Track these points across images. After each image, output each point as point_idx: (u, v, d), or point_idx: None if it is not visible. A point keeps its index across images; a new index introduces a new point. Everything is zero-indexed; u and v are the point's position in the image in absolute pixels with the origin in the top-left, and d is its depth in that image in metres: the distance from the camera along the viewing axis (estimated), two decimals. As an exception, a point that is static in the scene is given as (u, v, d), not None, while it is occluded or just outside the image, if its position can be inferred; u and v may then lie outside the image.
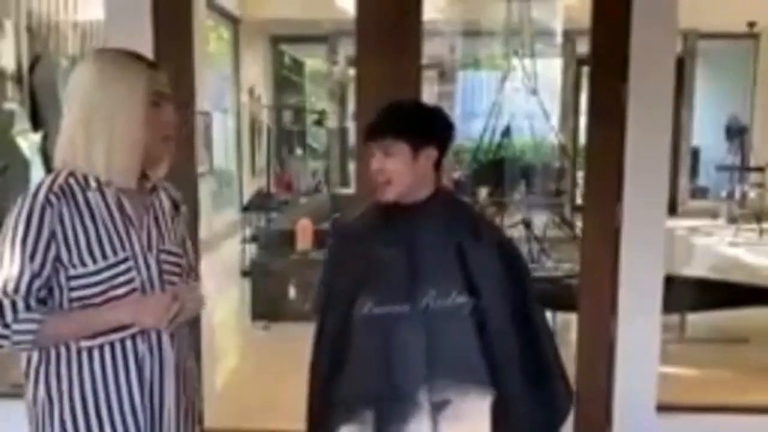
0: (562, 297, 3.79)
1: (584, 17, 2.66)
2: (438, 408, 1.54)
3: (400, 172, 1.56)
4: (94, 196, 1.39)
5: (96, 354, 1.38)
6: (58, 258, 1.35)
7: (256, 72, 8.86)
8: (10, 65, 4.11)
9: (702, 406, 2.77)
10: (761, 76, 9.02)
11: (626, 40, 2.47)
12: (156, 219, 1.48)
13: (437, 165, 1.62)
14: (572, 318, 2.82)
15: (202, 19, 6.15)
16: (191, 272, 1.57)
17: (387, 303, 1.55)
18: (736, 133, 8.75)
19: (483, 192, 6.61)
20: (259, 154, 8.63)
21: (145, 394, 1.41)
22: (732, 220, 8.04)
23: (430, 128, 1.61)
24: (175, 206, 1.55)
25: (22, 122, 4.06)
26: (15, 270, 1.33)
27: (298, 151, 10.44)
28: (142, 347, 1.41)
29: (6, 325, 1.32)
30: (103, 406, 1.39)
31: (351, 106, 8.90)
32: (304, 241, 4.84)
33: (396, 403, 1.54)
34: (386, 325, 1.54)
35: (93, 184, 1.39)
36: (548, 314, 3.93)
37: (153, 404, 1.43)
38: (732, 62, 9.39)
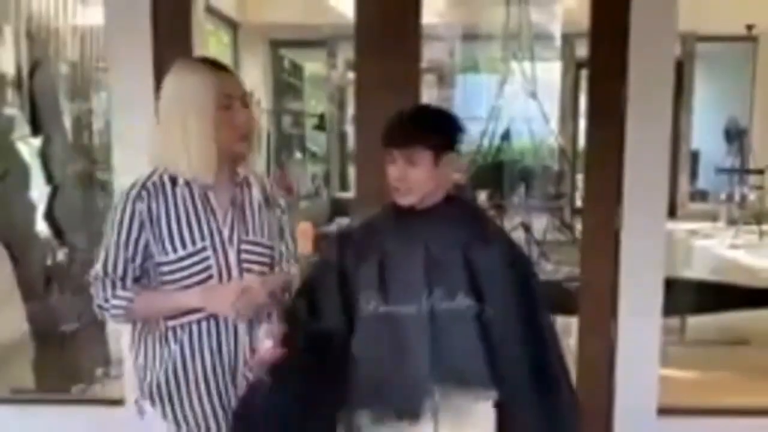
0: (562, 300, 3.79)
1: (583, 20, 2.67)
2: (440, 410, 1.54)
3: (423, 181, 1.57)
4: (181, 191, 1.58)
5: (178, 331, 1.58)
6: (147, 246, 1.55)
7: (255, 76, 8.86)
8: (9, 70, 4.11)
9: (703, 409, 2.77)
10: (760, 78, 9.02)
11: (625, 44, 2.48)
12: (243, 211, 1.62)
13: (452, 170, 1.64)
14: (572, 321, 2.81)
15: (202, 23, 6.16)
16: (282, 262, 1.69)
17: (393, 302, 1.56)
18: (736, 135, 8.75)
19: (482, 195, 6.61)
20: (259, 158, 8.63)
21: (218, 371, 1.59)
22: (732, 222, 8.04)
23: (452, 135, 1.62)
24: (267, 199, 1.67)
25: (21, 127, 4.06)
26: (112, 254, 1.56)
27: (298, 155, 10.44)
28: (218, 329, 1.58)
29: (106, 299, 1.57)
30: (182, 377, 1.58)
31: (350, 109, 8.90)
32: (304, 244, 4.84)
33: (398, 402, 1.54)
34: (391, 324, 1.55)
35: (181, 180, 1.57)
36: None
37: (226, 380, 1.60)
38: (731, 65, 9.40)
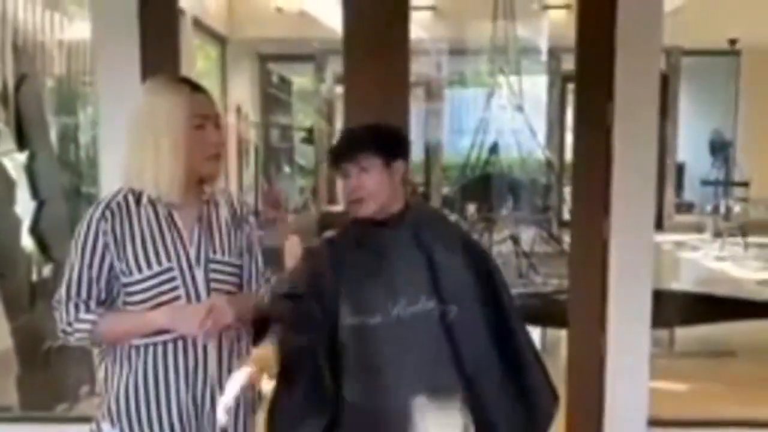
0: (551, 312, 3.79)
1: (569, 34, 2.69)
2: (410, 415, 1.55)
3: (377, 186, 1.61)
4: (145, 211, 1.55)
5: (142, 351, 1.54)
6: (111, 267, 1.53)
7: (243, 90, 8.87)
8: (-5, 85, 4.09)
9: (693, 421, 2.77)
10: (743, 91, 9.15)
11: (611, 58, 2.50)
12: (210, 230, 1.59)
13: (404, 179, 1.68)
14: (562, 334, 2.82)
15: (190, 38, 6.16)
16: (252, 281, 1.66)
17: (359, 314, 1.58)
18: (720, 148, 8.86)
19: (471, 208, 6.64)
20: (247, 172, 8.61)
21: (182, 395, 1.55)
22: (717, 234, 8.11)
23: (397, 142, 1.69)
24: (235, 217, 1.64)
25: (7, 142, 4.03)
26: (75, 277, 1.53)
27: (286, 169, 10.44)
28: (185, 351, 1.54)
29: (69, 323, 1.53)
30: (143, 397, 1.54)
31: (339, 123, 8.92)
32: (292, 259, 4.81)
33: (372, 410, 1.57)
34: (360, 335, 1.58)
35: (144, 199, 1.54)
36: (537, 330, 3.93)
37: (196, 401, 1.56)
38: (714, 78, 9.52)
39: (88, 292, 1.53)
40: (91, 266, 1.53)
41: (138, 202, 1.55)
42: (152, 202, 1.55)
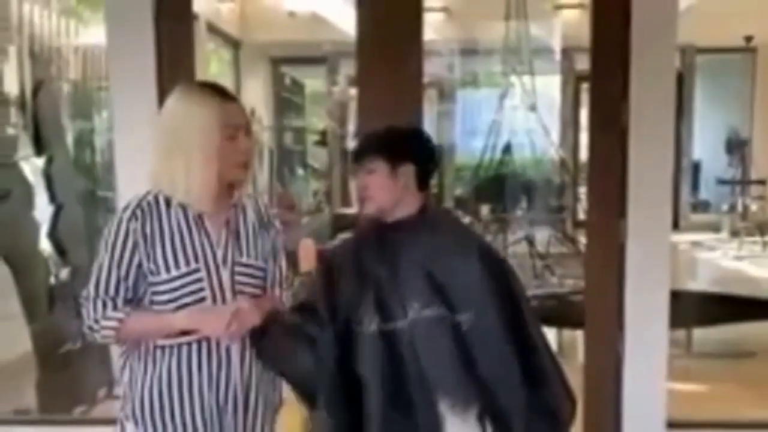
0: (567, 314, 3.77)
1: (581, 34, 2.68)
2: (435, 425, 1.55)
3: (379, 188, 1.65)
4: (175, 212, 1.57)
5: (167, 352, 1.56)
6: (139, 266, 1.54)
7: (256, 94, 8.90)
8: (13, 90, 4.14)
9: (712, 423, 2.75)
10: (759, 89, 9.05)
11: (626, 57, 2.49)
12: (237, 233, 1.62)
13: (422, 184, 1.68)
14: (577, 335, 2.80)
15: (204, 42, 6.20)
16: (275, 285, 1.69)
17: (389, 320, 1.59)
18: (736, 146, 8.76)
19: (485, 209, 6.61)
20: (261, 174, 8.65)
21: (212, 393, 1.56)
22: (734, 233, 8.02)
23: (404, 146, 1.70)
24: (261, 221, 1.67)
25: (25, 147, 4.08)
26: (104, 274, 1.55)
27: (300, 171, 10.46)
28: (209, 352, 1.56)
29: (96, 320, 1.55)
30: (167, 398, 1.56)
31: (351, 125, 8.92)
32: (306, 261, 4.81)
33: (396, 421, 1.56)
34: (388, 341, 1.58)
35: (174, 202, 1.57)
36: (553, 331, 3.90)
37: (219, 402, 1.57)
38: (730, 76, 9.43)
39: (116, 290, 1.54)
40: (120, 264, 1.54)
41: (168, 203, 1.57)
42: (182, 205, 1.57)
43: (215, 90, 1.61)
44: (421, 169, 1.68)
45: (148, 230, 1.54)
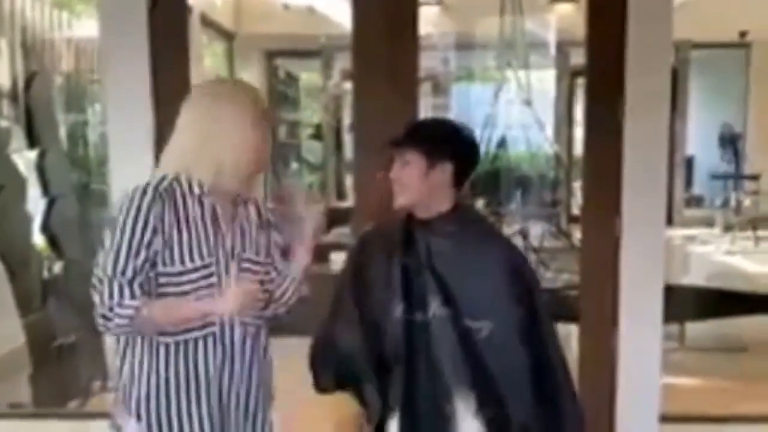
0: (561, 308, 3.78)
1: (577, 29, 2.68)
2: (445, 414, 1.58)
3: (413, 181, 1.63)
4: (192, 202, 1.54)
5: (172, 348, 1.54)
6: (156, 253, 1.50)
7: (251, 86, 8.86)
8: (5, 83, 4.11)
9: (705, 416, 2.76)
10: (753, 84, 9.06)
11: (622, 53, 2.48)
12: (241, 229, 1.62)
13: (458, 183, 1.66)
14: (572, 329, 2.81)
15: (198, 35, 6.16)
16: (272, 282, 1.69)
17: (411, 311, 1.61)
18: (730, 141, 8.78)
19: (480, 203, 6.61)
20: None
21: (216, 388, 1.56)
22: (727, 228, 8.05)
23: (445, 143, 1.66)
24: (261, 219, 1.68)
25: (17, 140, 4.05)
26: (123, 255, 1.48)
27: (294, 165, 10.44)
28: (215, 348, 1.56)
29: (110, 308, 1.47)
30: (173, 394, 1.55)
31: (346, 119, 8.91)
32: (302, 255, 4.79)
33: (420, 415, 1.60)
34: (411, 331, 1.61)
35: (196, 190, 1.55)
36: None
37: (222, 397, 1.57)
38: (724, 71, 9.45)
39: (134, 273, 1.48)
40: (139, 247, 1.48)
41: (184, 193, 1.54)
42: (199, 196, 1.55)
43: (248, 87, 1.66)
44: (460, 169, 1.66)
45: (167, 217, 1.50)
